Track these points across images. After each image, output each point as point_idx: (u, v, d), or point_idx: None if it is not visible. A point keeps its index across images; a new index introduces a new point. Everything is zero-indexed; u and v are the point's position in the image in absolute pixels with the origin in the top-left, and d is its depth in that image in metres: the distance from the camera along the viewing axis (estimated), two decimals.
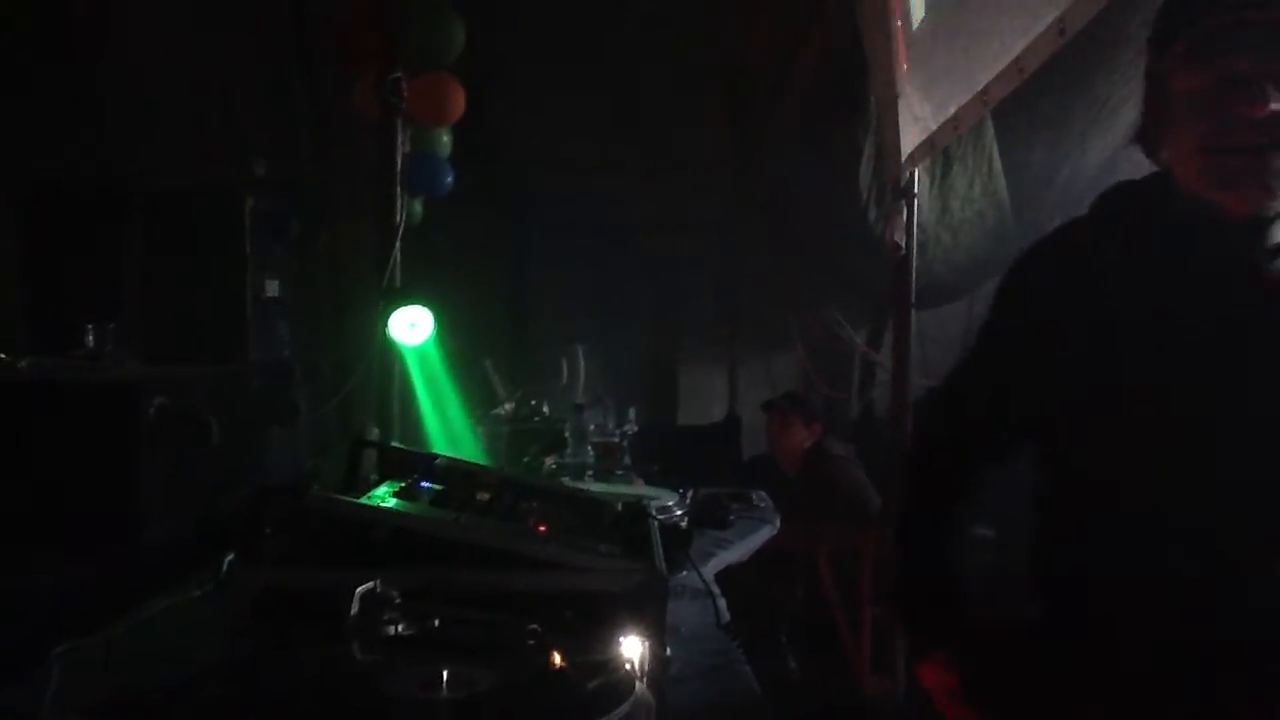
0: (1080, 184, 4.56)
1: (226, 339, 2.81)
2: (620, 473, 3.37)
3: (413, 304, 3.16)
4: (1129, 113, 4.13)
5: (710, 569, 2.40)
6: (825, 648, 3.82)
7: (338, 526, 1.56)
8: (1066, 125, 4.20)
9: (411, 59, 3.30)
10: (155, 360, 2.53)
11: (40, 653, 1.45)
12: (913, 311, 3.20)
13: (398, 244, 3.32)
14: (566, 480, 2.86)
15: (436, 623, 1.28)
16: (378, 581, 1.29)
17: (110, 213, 2.81)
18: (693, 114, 5.37)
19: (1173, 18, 1.17)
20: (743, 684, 1.66)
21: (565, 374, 4.24)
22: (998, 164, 4.35)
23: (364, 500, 1.63)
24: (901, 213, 3.05)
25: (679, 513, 2.59)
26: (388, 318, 3.14)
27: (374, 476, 1.93)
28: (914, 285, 3.17)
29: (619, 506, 1.92)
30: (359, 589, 1.27)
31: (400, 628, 1.26)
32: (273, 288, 2.97)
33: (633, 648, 1.15)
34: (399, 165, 3.34)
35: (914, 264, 3.10)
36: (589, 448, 3.43)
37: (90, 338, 2.39)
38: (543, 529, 1.69)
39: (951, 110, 2.43)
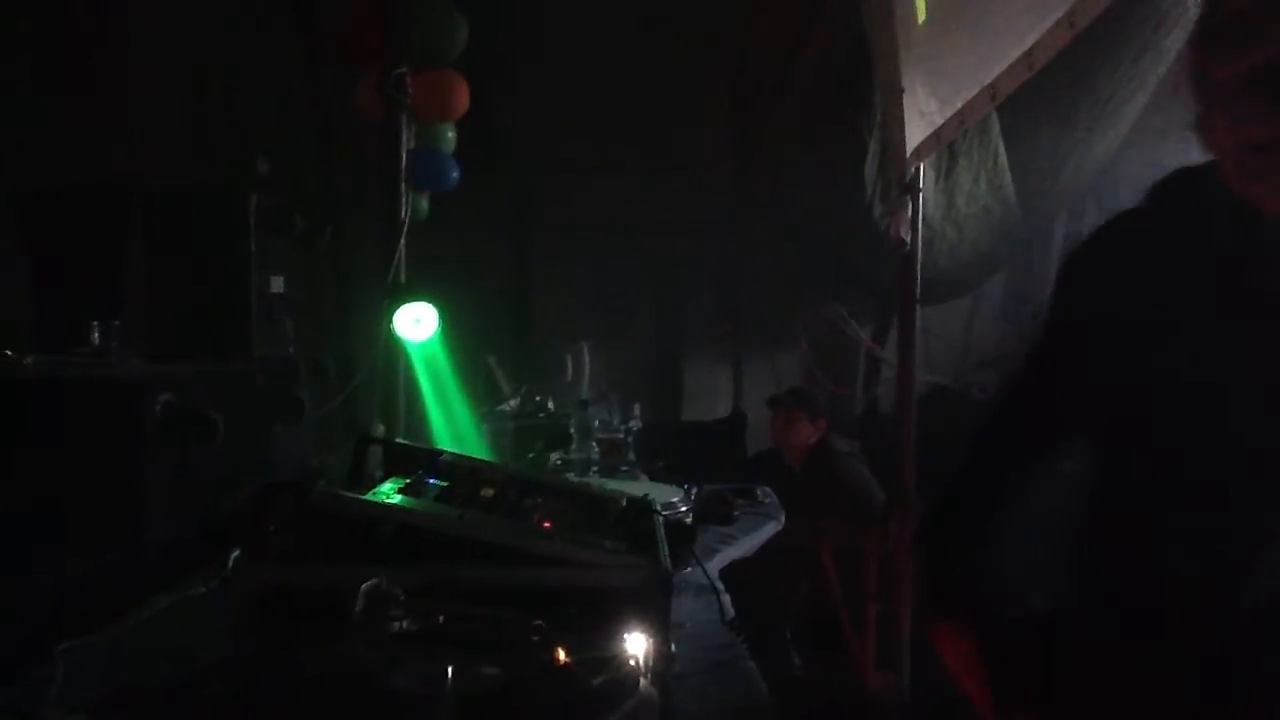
0: (1084, 180, 4.56)
1: (231, 336, 2.81)
2: (625, 469, 3.37)
3: (417, 300, 3.15)
4: (1132, 110, 4.13)
5: (715, 565, 2.40)
6: (830, 644, 3.82)
7: (342, 523, 1.56)
8: (1070, 121, 4.19)
9: (414, 58, 3.29)
10: (160, 358, 2.53)
11: (44, 650, 1.45)
12: (918, 307, 3.19)
13: (402, 240, 3.31)
14: (571, 476, 2.86)
15: (441, 619, 1.28)
16: (382, 578, 1.29)
17: (114, 210, 2.81)
18: (693, 114, 5.37)
19: (1214, 2, 1.13)
20: (747, 680, 1.66)
21: (570, 371, 4.25)
22: (1003, 159, 4.34)
23: (369, 496, 1.63)
24: (906, 208, 3.03)
25: (684, 509, 2.60)
26: (392, 314, 3.13)
27: (379, 473, 1.93)
28: (919, 281, 3.16)
29: (624, 502, 1.92)
30: (363, 586, 1.27)
31: (405, 624, 1.26)
32: (277, 285, 2.97)
33: (637, 644, 1.15)
34: (404, 161, 3.33)
35: (919, 259, 3.08)
36: (594, 444, 3.43)
37: (95, 335, 2.40)
38: (547, 525, 1.69)
39: (958, 105, 2.42)
